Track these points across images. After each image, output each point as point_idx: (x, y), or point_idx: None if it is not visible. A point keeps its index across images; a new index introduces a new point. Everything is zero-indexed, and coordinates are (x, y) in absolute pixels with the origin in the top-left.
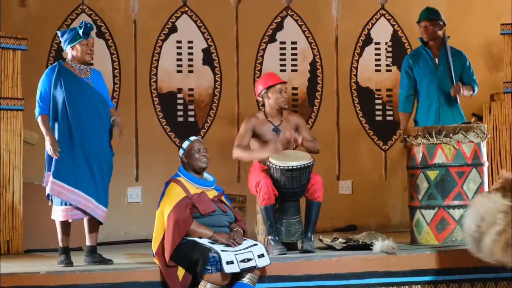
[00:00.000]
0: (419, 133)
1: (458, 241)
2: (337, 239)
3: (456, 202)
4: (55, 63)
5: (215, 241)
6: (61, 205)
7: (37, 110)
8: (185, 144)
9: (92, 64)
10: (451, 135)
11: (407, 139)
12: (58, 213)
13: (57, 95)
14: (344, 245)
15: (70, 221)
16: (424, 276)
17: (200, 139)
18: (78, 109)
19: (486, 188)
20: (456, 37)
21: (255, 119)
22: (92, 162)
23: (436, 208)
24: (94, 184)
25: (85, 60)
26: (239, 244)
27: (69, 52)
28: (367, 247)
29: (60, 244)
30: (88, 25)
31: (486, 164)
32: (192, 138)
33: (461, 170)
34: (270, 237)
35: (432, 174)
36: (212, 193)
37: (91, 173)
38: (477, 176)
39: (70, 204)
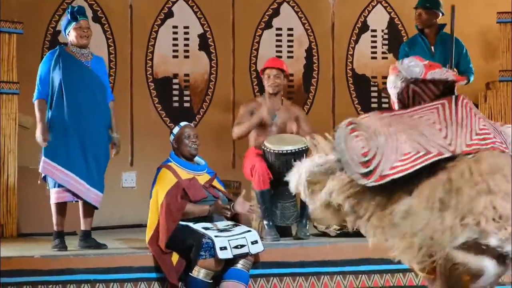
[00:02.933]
0: None
1: None
2: (332, 225)
3: None
4: (57, 47)
5: (211, 218)
6: (55, 187)
7: (35, 93)
8: (175, 129)
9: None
10: None
11: None
12: (52, 195)
13: (55, 78)
14: (338, 231)
15: (61, 202)
16: None
17: (192, 125)
18: (74, 91)
19: None
20: None
21: (254, 103)
22: (86, 145)
23: None
24: (87, 167)
25: (81, 43)
26: (228, 209)
27: (68, 38)
28: (361, 234)
29: (55, 228)
30: (76, 8)
31: None
32: (183, 123)
33: None
34: (265, 222)
35: None
36: (204, 178)
37: (84, 156)
38: None
39: (61, 186)
